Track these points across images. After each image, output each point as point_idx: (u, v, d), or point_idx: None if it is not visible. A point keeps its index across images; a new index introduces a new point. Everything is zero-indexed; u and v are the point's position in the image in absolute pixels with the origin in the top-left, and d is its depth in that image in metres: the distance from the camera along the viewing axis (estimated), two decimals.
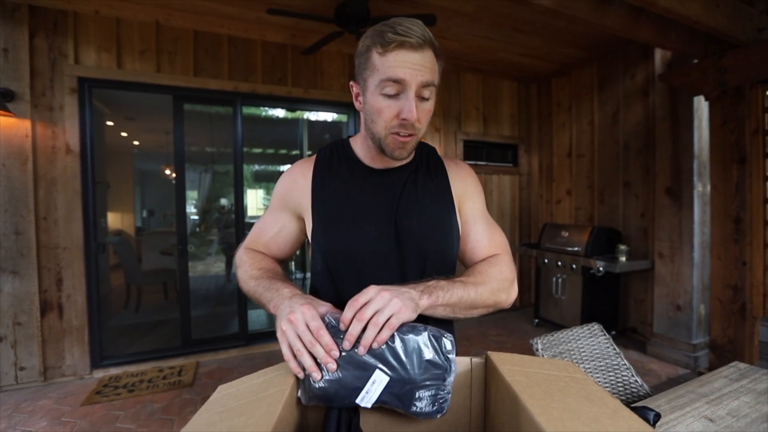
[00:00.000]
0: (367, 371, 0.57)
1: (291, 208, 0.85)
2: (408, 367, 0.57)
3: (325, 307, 0.64)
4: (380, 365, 0.57)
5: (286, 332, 0.59)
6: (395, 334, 0.58)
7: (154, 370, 2.80)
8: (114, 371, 2.77)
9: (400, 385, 0.57)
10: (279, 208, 0.87)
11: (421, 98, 0.69)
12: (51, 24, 2.55)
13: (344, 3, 2.31)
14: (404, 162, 0.82)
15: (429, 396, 0.58)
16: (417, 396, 0.57)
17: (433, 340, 0.58)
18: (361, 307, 0.58)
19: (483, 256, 0.84)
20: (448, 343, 0.59)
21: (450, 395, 0.59)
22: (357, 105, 0.77)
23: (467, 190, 0.86)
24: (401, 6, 2.65)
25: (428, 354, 0.58)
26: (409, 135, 0.71)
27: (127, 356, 2.91)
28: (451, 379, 0.59)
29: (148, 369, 2.82)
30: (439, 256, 0.80)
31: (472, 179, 0.88)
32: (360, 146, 0.83)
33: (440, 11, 2.66)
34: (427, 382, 0.57)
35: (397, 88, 0.68)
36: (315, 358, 0.58)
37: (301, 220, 0.86)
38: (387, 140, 0.72)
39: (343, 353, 0.57)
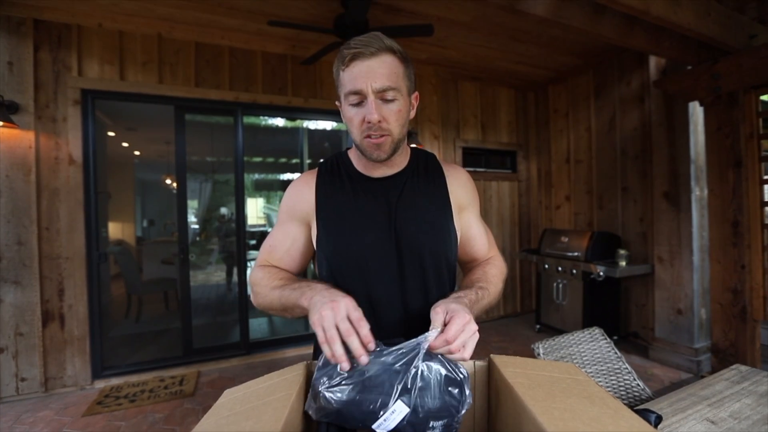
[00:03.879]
0: (388, 398, 0.57)
1: (300, 218, 0.87)
2: (428, 397, 0.58)
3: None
4: (402, 395, 0.57)
5: (325, 318, 0.60)
6: (421, 362, 0.59)
7: (155, 380, 2.78)
8: (115, 381, 2.76)
9: (417, 414, 0.57)
10: (288, 220, 0.88)
11: (384, 100, 0.73)
12: (55, 37, 2.59)
13: (343, 14, 2.36)
14: (399, 169, 0.86)
15: (441, 425, 0.58)
16: (431, 425, 0.58)
17: (452, 372, 0.60)
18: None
19: (482, 258, 0.93)
20: (465, 373, 0.61)
21: (460, 425, 0.60)
22: (343, 119, 0.82)
23: (467, 196, 0.91)
24: (399, 17, 2.70)
25: (447, 386, 0.59)
26: (381, 136, 0.75)
27: (129, 366, 2.90)
28: (464, 411, 0.59)
29: (150, 379, 2.81)
30: (438, 260, 0.83)
31: (471, 185, 0.93)
32: (355, 157, 0.87)
33: (438, 21, 2.71)
34: (443, 413, 0.58)
35: (359, 97, 0.73)
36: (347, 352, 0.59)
37: (310, 228, 0.88)
38: (363, 145, 0.77)
39: (368, 374, 0.58)
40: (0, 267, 2.45)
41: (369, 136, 0.75)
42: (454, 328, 0.60)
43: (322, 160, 0.92)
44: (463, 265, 0.98)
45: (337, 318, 0.60)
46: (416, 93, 0.83)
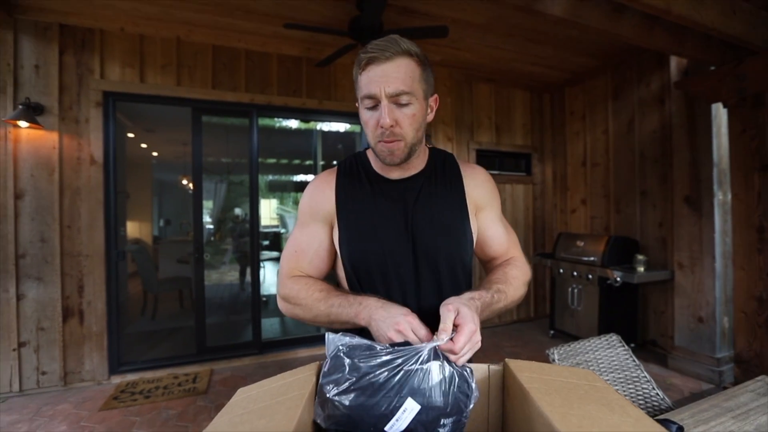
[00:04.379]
0: (399, 399, 0.57)
1: (323, 218, 0.87)
2: (438, 396, 0.58)
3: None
4: (413, 395, 0.57)
5: (395, 339, 0.64)
6: (432, 362, 0.59)
7: (169, 377, 2.83)
8: (131, 377, 2.81)
9: (428, 412, 0.57)
10: (310, 221, 0.88)
11: (398, 105, 0.73)
12: (79, 41, 2.67)
13: (358, 16, 2.37)
14: (416, 171, 0.86)
15: (451, 422, 0.58)
16: (441, 423, 0.58)
17: (459, 368, 0.60)
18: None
19: (503, 258, 0.92)
20: (471, 371, 0.62)
21: (468, 418, 0.60)
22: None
23: (486, 196, 0.91)
24: (414, 18, 2.70)
25: (456, 383, 0.59)
26: (394, 140, 0.75)
27: (144, 363, 2.96)
28: (472, 405, 0.60)
29: (164, 375, 2.86)
30: (453, 263, 0.83)
31: (489, 185, 0.93)
32: (373, 158, 0.88)
33: (453, 23, 2.70)
34: (453, 410, 0.58)
35: (373, 101, 0.74)
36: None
37: (332, 228, 0.88)
38: (378, 148, 0.78)
39: (376, 378, 0.57)
40: (24, 263, 2.53)
41: (383, 141, 0.75)
42: (463, 339, 0.60)
43: (338, 161, 0.93)
44: (483, 264, 0.98)
45: (409, 339, 0.64)
46: (435, 95, 0.82)
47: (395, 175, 0.85)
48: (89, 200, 2.69)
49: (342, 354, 0.60)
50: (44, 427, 2.17)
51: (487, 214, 0.91)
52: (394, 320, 0.65)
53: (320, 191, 0.87)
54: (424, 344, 0.60)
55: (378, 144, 0.77)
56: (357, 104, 0.82)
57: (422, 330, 0.64)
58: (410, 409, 0.57)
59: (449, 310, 0.63)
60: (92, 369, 2.71)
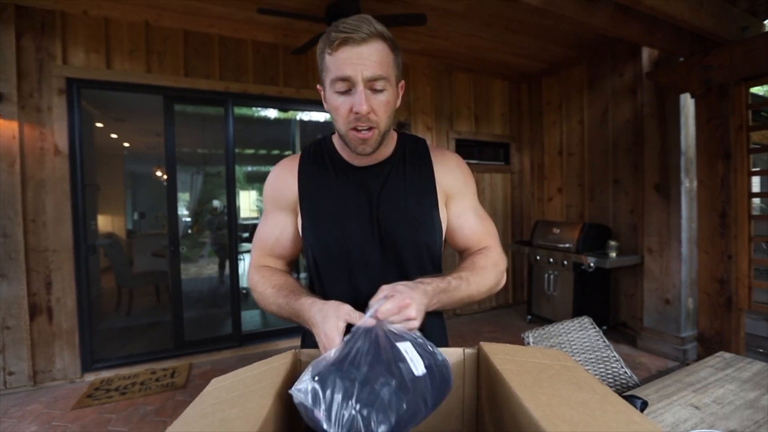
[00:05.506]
0: (394, 350, 0.55)
1: (285, 206, 0.85)
2: (420, 369, 0.56)
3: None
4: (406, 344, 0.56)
5: (333, 341, 0.63)
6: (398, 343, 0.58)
7: (146, 373, 2.77)
8: (106, 374, 2.73)
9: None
10: (273, 209, 0.87)
11: (373, 90, 0.70)
12: (38, 24, 2.51)
13: (335, 2, 2.32)
14: (384, 158, 0.83)
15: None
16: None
17: (409, 335, 0.59)
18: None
19: (475, 247, 0.87)
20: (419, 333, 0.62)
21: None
22: (325, 106, 0.78)
23: (456, 184, 0.86)
24: (392, 5, 2.66)
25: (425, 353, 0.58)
26: (369, 129, 0.71)
27: (119, 359, 2.88)
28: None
29: (141, 371, 2.79)
30: (419, 252, 0.81)
31: (460, 171, 0.88)
32: (339, 144, 0.84)
33: (431, 10, 2.68)
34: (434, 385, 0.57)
35: (347, 85, 0.69)
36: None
37: (296, 215, 0.86)
38: (348, 136, 0.74)
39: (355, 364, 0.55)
40: None
41: (355, 129, 0.71)
42: (389, 305, 0.59)
43: (305, 146, 0.89)
44: (459, 254, 0.95)
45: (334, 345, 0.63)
46: (402, 82, 0.79)
47: (363, 161, 0.82)
48: (55, 192, 2.57)
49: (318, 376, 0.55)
50: (13, 428, 2.09)
51: (458, 202, 0.87)
52: (335, 315, 0.64)
53: (282, 180, 0.84)
54: (355, 326, 0.59)
55: (349, 132, 0.72)
56: (319, 87, 0.78)
57: (335, 331, 0.63)
58: (407, 349, 0.55)
59: (382, 290, 0.62)
60: (64, 367, 2.62)
